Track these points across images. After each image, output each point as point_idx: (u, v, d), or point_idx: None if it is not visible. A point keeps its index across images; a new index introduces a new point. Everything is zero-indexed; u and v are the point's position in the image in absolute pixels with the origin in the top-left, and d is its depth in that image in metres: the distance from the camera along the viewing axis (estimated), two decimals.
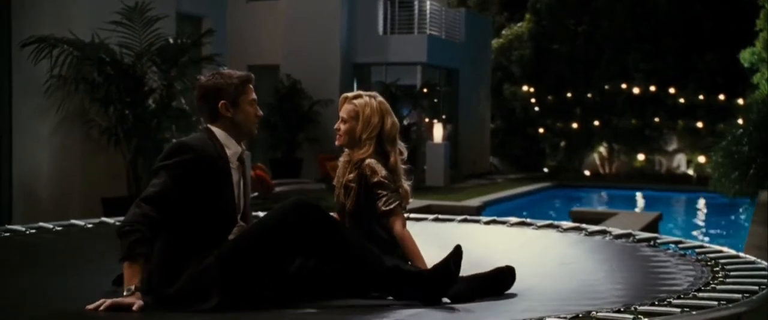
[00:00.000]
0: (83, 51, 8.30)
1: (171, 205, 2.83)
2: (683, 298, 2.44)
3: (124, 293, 2.71)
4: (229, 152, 2.98)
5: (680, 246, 3.62)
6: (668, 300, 2.39)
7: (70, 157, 8.89)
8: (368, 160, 3.39)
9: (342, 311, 2.80)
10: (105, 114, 8.67)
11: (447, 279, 2.80)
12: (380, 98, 3.54)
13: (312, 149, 16.40)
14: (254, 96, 3.08)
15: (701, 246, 3.52)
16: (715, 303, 2.33)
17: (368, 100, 3.50)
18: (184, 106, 9.06)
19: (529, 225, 4.45)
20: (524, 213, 14.09)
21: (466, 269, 3.05)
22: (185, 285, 2.78)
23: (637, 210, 15.75)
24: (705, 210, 16.13)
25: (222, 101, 2.97)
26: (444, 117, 18.76)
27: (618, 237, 3.97)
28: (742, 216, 14.26)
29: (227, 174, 2.95)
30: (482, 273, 2.95)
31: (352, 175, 3.42)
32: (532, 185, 18.05)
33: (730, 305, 2.32)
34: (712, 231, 13.39)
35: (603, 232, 4.11)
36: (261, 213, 3.58)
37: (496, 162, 22.84)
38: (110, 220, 4.35)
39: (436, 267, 2.85)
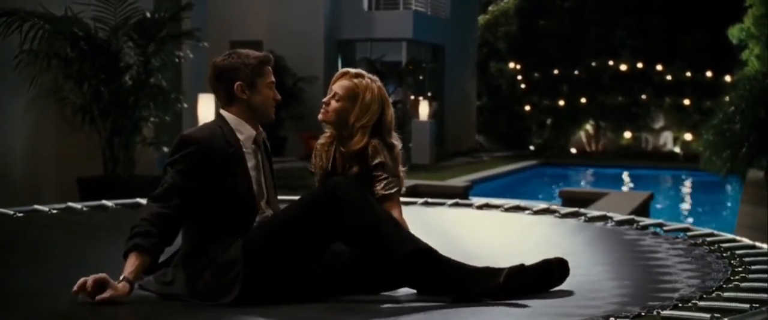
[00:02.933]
0: (55, 25, 7.97)
1: (183, 199, 2.71)
2: (707, 299, 2.19)
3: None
4: (241, 137, 2.84)
5: (689, 233, 3.38)
6: (693, 301, 2.14)
7: (44, 135, 8.59)
8: (374, 141, 3.08)
9: (352, 309, 2.54)
10: (79, 91, 8.35)
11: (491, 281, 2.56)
12: (380, 83, 3.18)
13: (296, 127, 16.13)
14: (272, 78, 2.92)
15: (712, 235, 3.28)
16: (747, 305, 2.08)
17: (370, 83, 3.13)
18: (162, 82, 8.77)
19: (524, 209, 4.21)
20: (506, 195, 13.90)
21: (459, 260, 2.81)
22: (210, 281, 2.67)
23: (625, 189, 15.61)
24: (694, 189, 16.01)
25: (238, 82, 2.83)
26: (429, 94, 18.55)
27: (620, 223, 3.73)
28: (731, 195, 14.13)
29: (240, 161, 2.82)
30: (526, 267, 2.61)
31: (355, 169, 3.09)
32: (519, 163, 17.88)
33: (765, 308, 2.07)
34: (702, 211, 13.26)
35: (604, 218, 3.87)
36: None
37: (482, 139, 22.64)
38: (77, 205, 4.06)
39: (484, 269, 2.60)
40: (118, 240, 3.43)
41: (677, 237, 3.34)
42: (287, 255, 2.62)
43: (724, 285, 2.39)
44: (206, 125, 2.87)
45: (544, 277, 2.56)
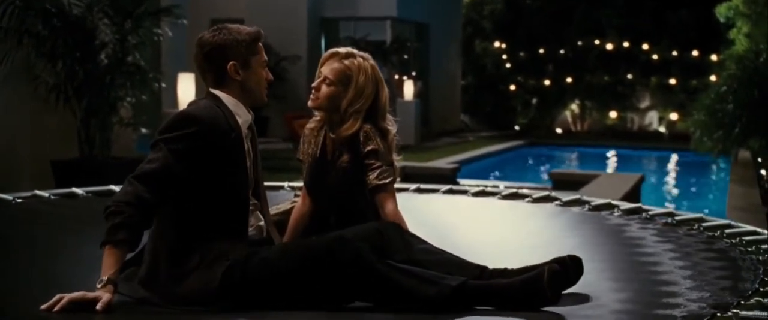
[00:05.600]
0: (26, 1, 7.62)
1: (170, 185, 2.41)
2: (747, 307, 1.94)
3: (97, 285, 2.29)
4: (239, 121, 2.56)
5: (704, 224, 3.14)
6: (732, 309, 1.90)
7: (16, 116, 8.28)
8: (366, 126, 2.82)
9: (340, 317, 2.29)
10: (53, 70, 8.03)
11: (538, 297, 2.25)
12: (372, 61, 2.90)
13: (278, 107, 15.81)
14: (265, 56, 2.64)
15: (730, 226, 3.05)
16: None
17: (363, 62, 2.84)
18: (139, 61, 8.45)
19: (522, 197, 3.96)
20: (493, 177, 13.72)
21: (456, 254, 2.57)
22: (191, 285, 2.40)
23: (610, 170, 15.46)
24: (681, 169, 15.88)
25: (231, 62, 2.54)
26: (414, 73, 18.31)
27: (628, 212, 3.49)
28: (719, 175, 14.01)
29: (240, 149, 2.53)
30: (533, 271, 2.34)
31: (346, 157, 2.84)
32: (505, 143, 17.70)
33: None
34: (691, 191, 13.13)
35: (609, 206, 3.63)
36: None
37: (467, 119, 22.43)
38: (44, 193, 3.77)
39: (527, 279, 2.27)
40: (89, 232, 3.16)
41: (692, 229, 3.10)
42: (270, 296, 2.37)
43: (761, 288, 2.15)
44: (206, 105, 2.54)
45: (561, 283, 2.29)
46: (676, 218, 3.30)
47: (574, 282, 2.33)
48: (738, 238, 2.84)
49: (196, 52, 2.59)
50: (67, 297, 2.24)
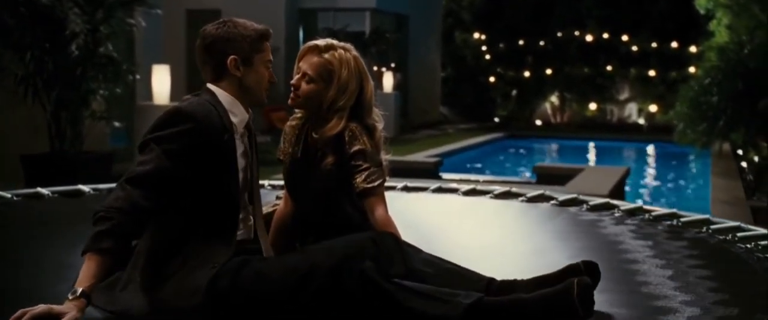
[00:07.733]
0: None
1: (166, 188, 2.23)
2: None
3: (68, 297, 2.08)
4: (235, 120, 2.39)
5: (712, 227, 2.96)
6: None
7: None
8: (352, 125, 2.59)
9: None
10: (21, 61, 7.75)
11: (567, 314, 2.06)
12: (355, 52, 2.65)
13: None
14: (270, 56, 2.47)
15: (739, 229, 2.87)
16: None
17: (344, 54, 2.59)
18: (112, 52, 8.19)
19: (516, 196, 3.77)
20: (476, 170, 13.57)
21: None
22: (173, 292, 2.21)
23: (591, 162, 15.38)
24: (662, 161, 15.83)
25: (232, 56, 2.39)
26: (393, 65, 18.12)
27: (629, 213, 3.31)
28: (699, 167, 13.95)
29: (233, 150, 2.37)
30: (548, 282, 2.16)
31: (330, 159, 2.61)
32: (485, 136, 17.58)
33: None
34: (674, 184, 13.06)
35: (608, 206, 3.44)
36: None
37: (446, 111, 22.28)
38: (6, 194, 3.53)
39: (552, 294, 2.07)
40: (55, 237, 2.94)
41: (701, 232, 2.92)
42: (261, 311, 2.17)
43: None
44: (200, 101, 2.37)
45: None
46: (682, 220, 3.12)
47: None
48: (753, 243, 2.66)
49: (198, 43, 2.43)
50: (30, 312, 2.02)
